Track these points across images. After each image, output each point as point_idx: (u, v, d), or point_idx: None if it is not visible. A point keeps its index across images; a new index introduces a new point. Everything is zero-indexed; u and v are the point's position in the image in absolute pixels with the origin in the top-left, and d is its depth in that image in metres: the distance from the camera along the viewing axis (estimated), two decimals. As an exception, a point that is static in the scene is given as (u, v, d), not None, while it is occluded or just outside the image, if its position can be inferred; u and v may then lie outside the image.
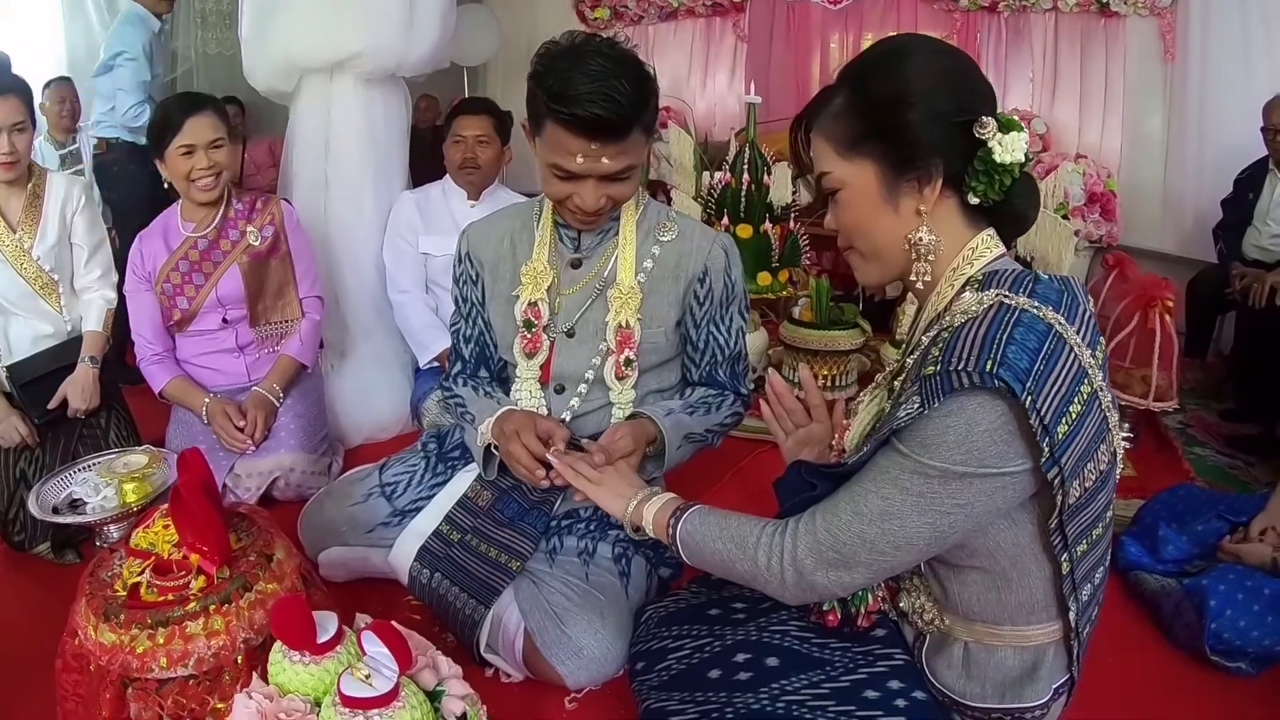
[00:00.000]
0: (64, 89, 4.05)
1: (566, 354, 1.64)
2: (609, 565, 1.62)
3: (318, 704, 0.97)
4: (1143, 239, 3.87)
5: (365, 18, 2.56)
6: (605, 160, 1.43)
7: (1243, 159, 3.26)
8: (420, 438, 1.96)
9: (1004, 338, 0.91)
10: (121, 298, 2.31)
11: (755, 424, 1.91)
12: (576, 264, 1.64)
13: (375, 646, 0.93)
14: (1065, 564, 1.01)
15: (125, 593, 1.20)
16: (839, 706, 1.10)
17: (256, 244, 2.29)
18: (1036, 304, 0.95)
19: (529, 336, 1.64)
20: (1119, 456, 1.03)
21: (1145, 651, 1.72)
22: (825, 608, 1.16)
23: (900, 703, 1.10)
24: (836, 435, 1.23)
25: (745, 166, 3.18)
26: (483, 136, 2.71)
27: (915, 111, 1.00)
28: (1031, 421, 0.90)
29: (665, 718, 1.17)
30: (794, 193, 3.34)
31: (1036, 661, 1.08)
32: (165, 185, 2.23)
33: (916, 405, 0.94)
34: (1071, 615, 1.05)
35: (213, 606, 1.15)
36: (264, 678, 1.05)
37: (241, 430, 2.19)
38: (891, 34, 1.09)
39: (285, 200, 2.47)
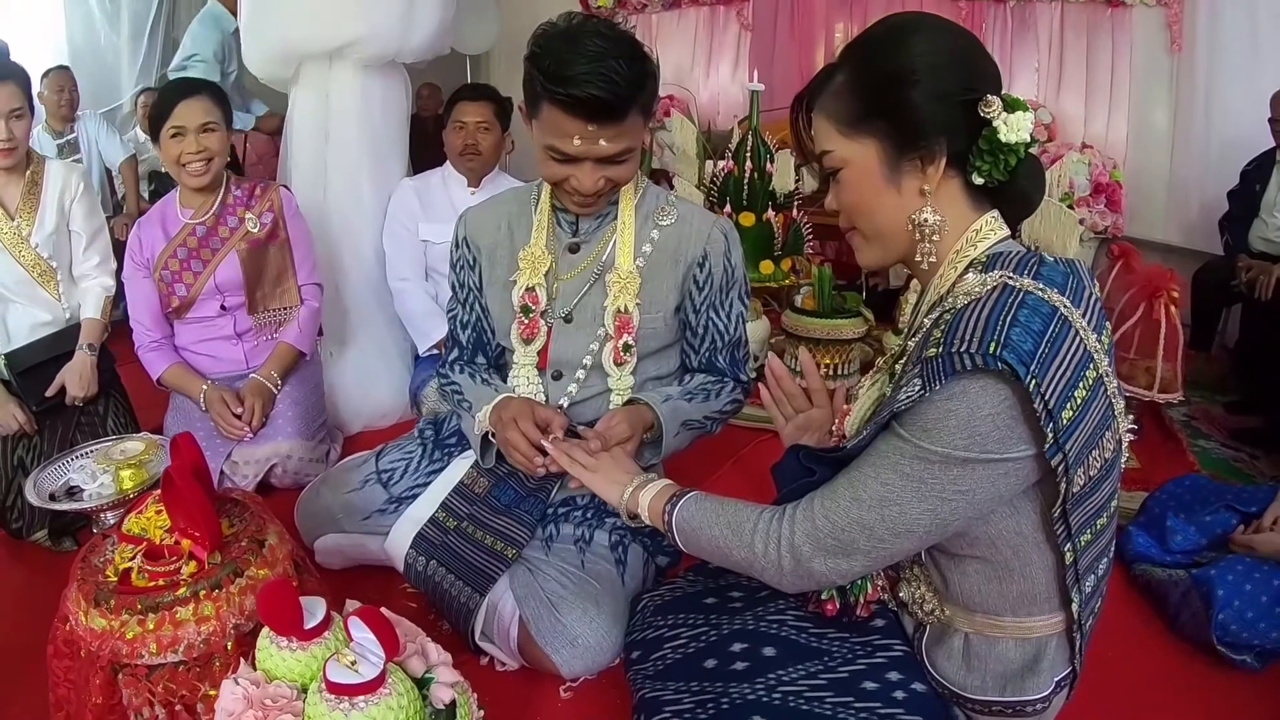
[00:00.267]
0: (62, 78, 4.03)
1: (564, 339, 1.63)
2: (605, 553, 1.61)
3: (305, 690, 0.95)
4: (1148, 230, 3.84)
5: (364, 4, 2.54)
6: (603, 142, 1.41)
7: (1249, 150, 3.23)
8: (417, 424, 1.95)
9: (1008, 319, 0.89)
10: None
11: (756, 412, 1.89)
12: (574, 248, 1.63)
13: (362, 633, 0.92)
14: (1068, 554, 0.99)
15: (116, 578, 1.19)
16: (836, 698, 1.08)
17: (255, 231, 2.27)
18: (1041, 286, 0.93)
19: (526, 322, 1.62)
20: (1124, 445, 1.01)
21: (1149, 645, 1.71)
22: (824, 597, 1.14)
23: (899, 694, 1.08)
24: (837, 420, 1.21)
25: (748, 154, 3.16)
26: (484, 123, 2.70)
27: (919, 89, 0.97)
28: (1035, 406, 0.88)
29: (660, 708, 1.15)
30: (797, 180, 3.32)
31: (1038, 654, 1.07)
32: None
33: (918, 388, 0.92)
34: (1074, 607, 1.03)
35: (203, 592, 1.13)
36: (254, 664, 1.04)
37: (239, 417, 2.18)
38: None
39: (284, 187, 2.45)
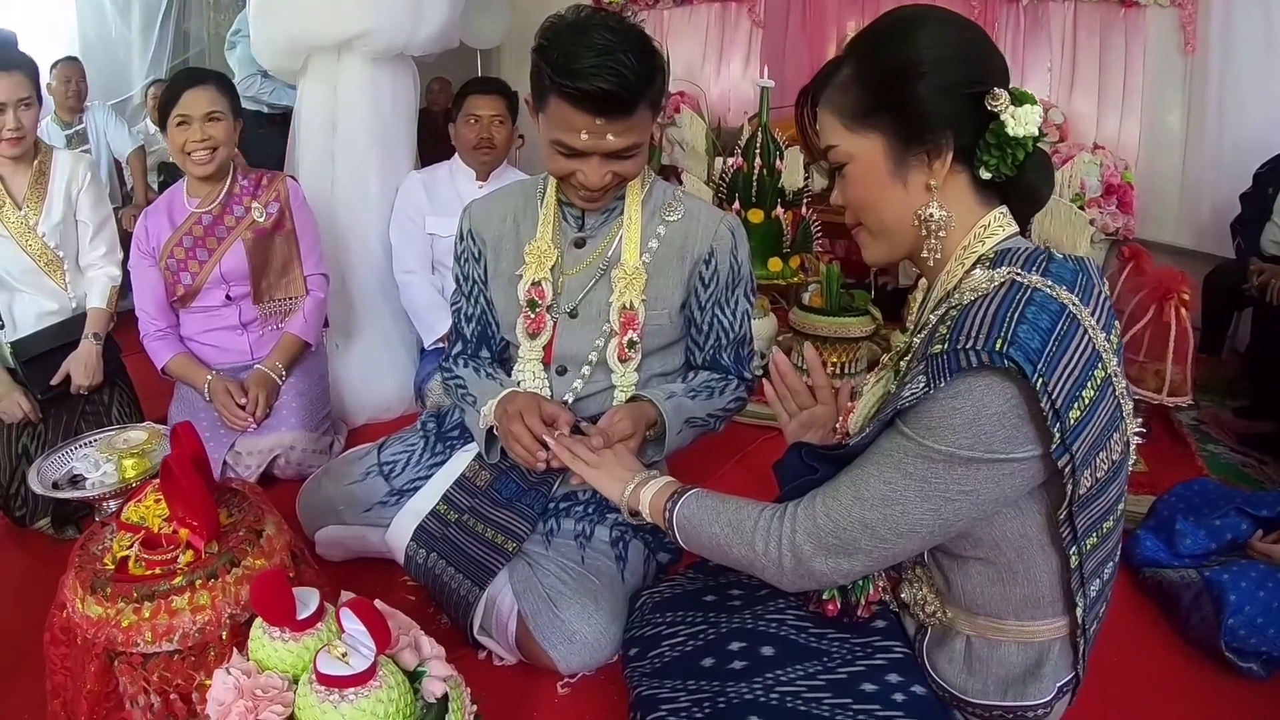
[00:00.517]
0: (70, 69, 4.05)
1: (569, 335, 1.62)
2: (606, 549, 1.60)
3: (296, 681, 0.95)
4: (1159, 232, 3.81)
5: (373, -5, 2.54)
6: (610, 137, 1.40)
7: (1263, 153, 3.19)
8: (420, 417, 1.94)
9: (1015, 316, 0.88)
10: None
11: (761, 409, 1.88)
12: (580, 243, 1.61)
13: (353, 624, 0.91)
14: (1074, 557, 0.98)
15: (113, 566, 1.19)
16: (835, 699, 1.07)
17: (261, 220, 2.27)
18: (1050, 283, 0.91)
19: (532, 317, 1.61)
20: (1132, 447, 1.00)
21: (1153, 651, 1.69)
22: (824, 596, 1.13)
23: (899, 697, 1.07)
24: (841, 418, 1.20)
25: (758, 151, 3.15)
26: (498, 116, 2.70)
27: (925, 82, 0.96)
28: (1042, 405, 0.87)
29: (656, 706, 1.14)
30: (807, 178, 3.30)
31: (1041, 658, 1.05)
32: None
33: (922, 385, 0.91)
34: (1078, 611, 1.01)
35: (199, 581, 1.13)
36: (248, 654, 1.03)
37: (243, 408, 2.18)
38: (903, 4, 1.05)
39: (291, 177, 2.45)
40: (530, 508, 1.63)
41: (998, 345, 0.86)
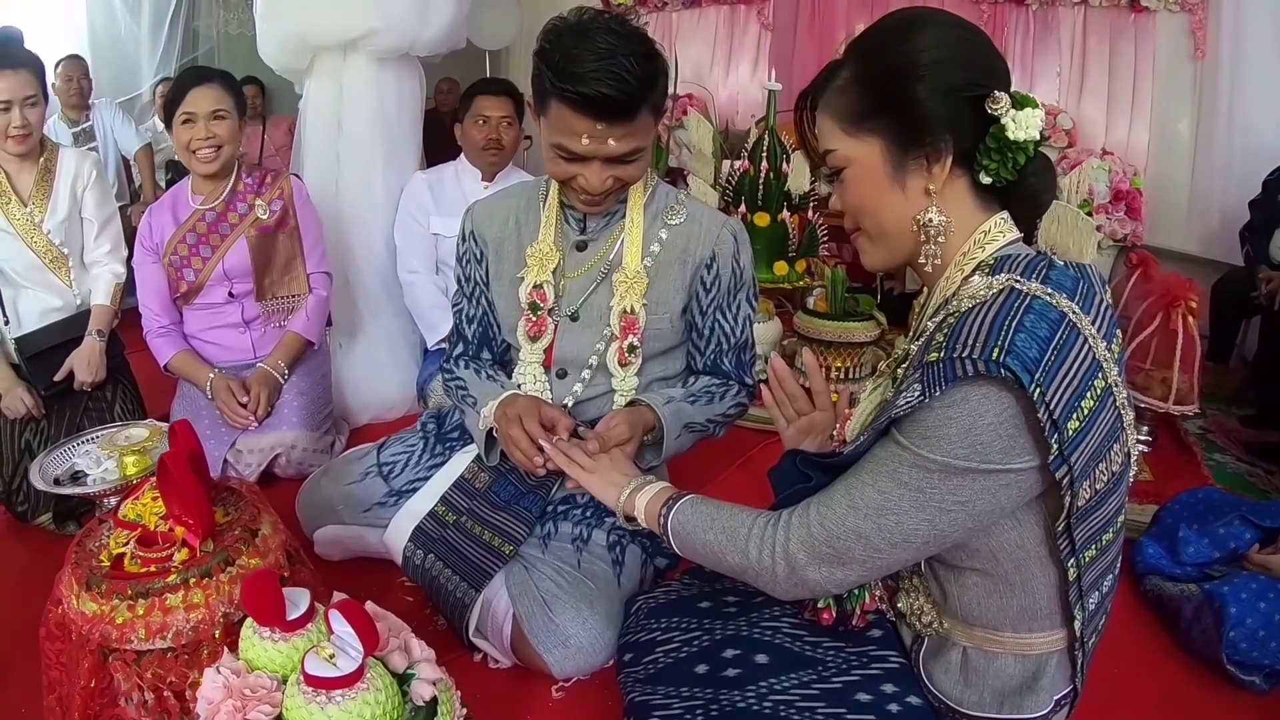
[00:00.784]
0: (72, 67, 4.06)
1: (570, 338, 1.61)
2: (603, 553, 1.59)
3: (286, 681, 0.95)
4: (1168, 239, 3.79)
5: (379, -5, 2.54)
6: (611, 141, 1.39)
7: (1272, 160, 3.18)
8: (420, 418, 1.94)
9: (1013, 325, 0.86)
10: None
11: (763, 414, 1.87)
12: (582, 246, 1.61)
13: (342, 626, 0.91)
14: (1072, 570, 0.96)
15: (109, 563, 1.19)
16: (829, 708, 1.05)
17: (265, 218, 2.28)
18: (1050, 291, 0.90)
19: (534, 320, 1.61)
20: (1133, 458, 0.98)
21: (1154, 663, 1.67)
22: (820, 605, 1.12)
23: (894, 707, 1.06)
24: (838, 425, 1.19)
25: (764, 154, 3.14)
26: (506, 117, 2.71)
27: (924, 84, 0.94)
28: (1040, 416, 0.85)
29: (649, 712, 1.13)
30: (813, 181, 3.29)
31: (1038, 671, 1.04)
32: None
33: (917, 393, 0.89)
34: (1077, 624, 1.00)
35: (193, 580, 1.13)
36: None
37: (245, 406, 2.18)
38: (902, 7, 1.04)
39: (295, 175, 2.45)
40: (528, 511, 1.63)
41: (994, 354, 0.84)
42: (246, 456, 2.21)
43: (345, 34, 2.58)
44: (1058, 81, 4.07)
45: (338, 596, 0.98)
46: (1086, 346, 0.89)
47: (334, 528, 1.84)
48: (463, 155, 2.81)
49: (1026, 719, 1.04)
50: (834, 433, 1.22)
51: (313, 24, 2.58)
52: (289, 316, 2.37)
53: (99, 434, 1.77)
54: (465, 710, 1.02)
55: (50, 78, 2.91)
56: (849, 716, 1.05)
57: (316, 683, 0.88)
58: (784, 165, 3.17)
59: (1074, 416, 0.87)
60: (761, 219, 3.11)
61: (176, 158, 4.16)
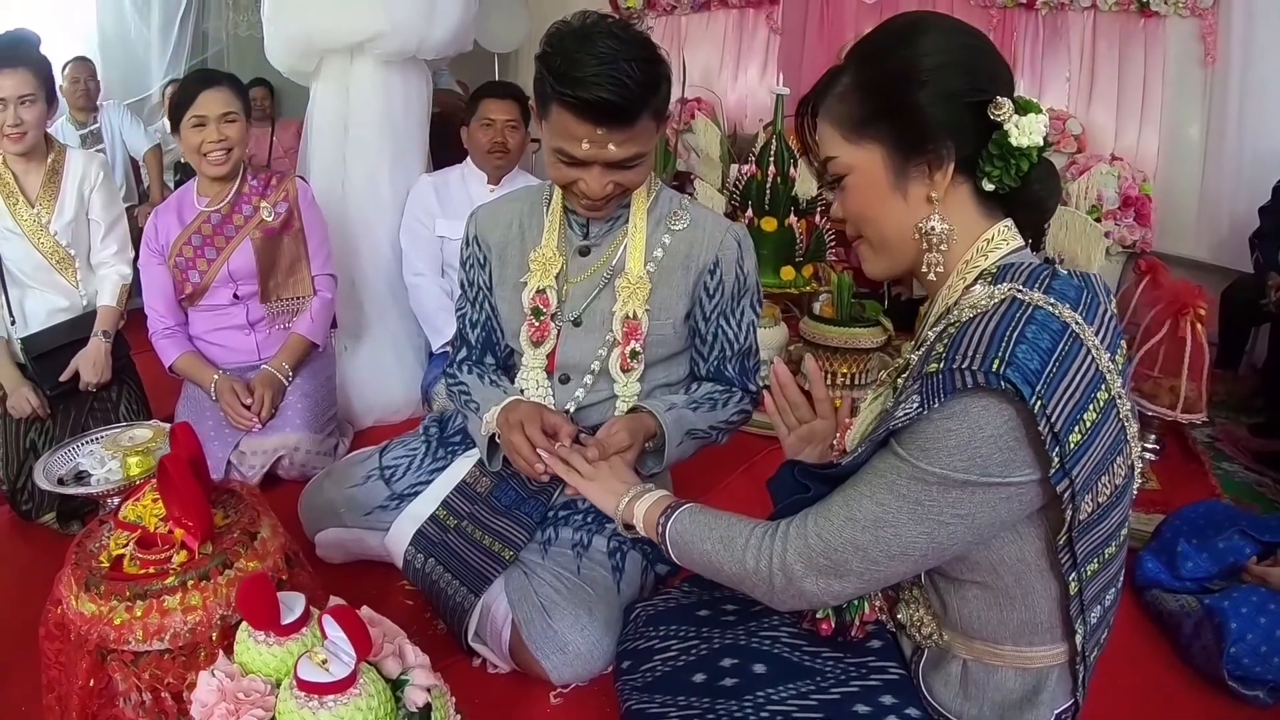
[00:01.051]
0: (77, 69, 4.07)
1: (572, 344, 1.60)
2: (603, 559, 1.59)
3: (279, 685, 0.95)
4: (1177, 245, 3.76)
5: (386, -1, 2.54)
6: (612, 147, 1.38)
7: (1283, 166, 3.16)
8: (423, 421, 1.94)
9: (1014, 335, 0.85)
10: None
11: (767, 420, 1.86)
12: (585, 251, 1.60)
13: (335, 631, 0.91)
14: (1073, 584, 0.95)
15: (108, 564, 1.20)
16: (827, 719, 1.05)
17: (270, 220, 2.28)
18: (1052, 300, 0.88)
19: (537, 325, 1.60)
20: (1137, 470, 0.97)
21: (1156, 676, 1.65)
22: (819, 615, 1.11)
23: (892, 719, 1.05)
24: (838, 434, 1.18)
25: (772, 159, 3.13)
26: (512, 121, 2.71)
27: (925, 90, 0.93)
28: (1040, 428, 0.84)
29: (646, 720, 1.13)
30: (820, 187, 3.27)
31: (1038, 685, 1.03)
32: None
33: (916, 405, 0.88)
34: (1078, 638, 0.99)
35: (191, 582, 1.13)
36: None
37: (248, 408, 2.18)
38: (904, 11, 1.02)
39: (300, 178, 2.46)
40: (529, 516, 1.62)
41: (994, 366, 0.83)
42: (250, 458, 2.21)
43: (352, 37, 2.59)
44: (1067, 87, 4.04)
45: (333, 601, 0.98)
46: (1089, 358, 0.87)
47: (335, 530, 1.84)
48: (469, 158, 2.81)
49: (1027, 733, 1.03)
50: (834, 442, 1.21)
51: (319, 26, 2.59)
52: (294, 318, 2.37)
53: (103, 434, 1.78)
54: (460, 716, 1.02)
55: (58, 79, 2.91)
56: (847, 728, 1.04)
57: (309, 688, 0.88)
58: (791, 170, 3.16)
59: (1076, 429, 0.85)
60: (769, 224, 3.10)
61: (184, 159, 4.20)
